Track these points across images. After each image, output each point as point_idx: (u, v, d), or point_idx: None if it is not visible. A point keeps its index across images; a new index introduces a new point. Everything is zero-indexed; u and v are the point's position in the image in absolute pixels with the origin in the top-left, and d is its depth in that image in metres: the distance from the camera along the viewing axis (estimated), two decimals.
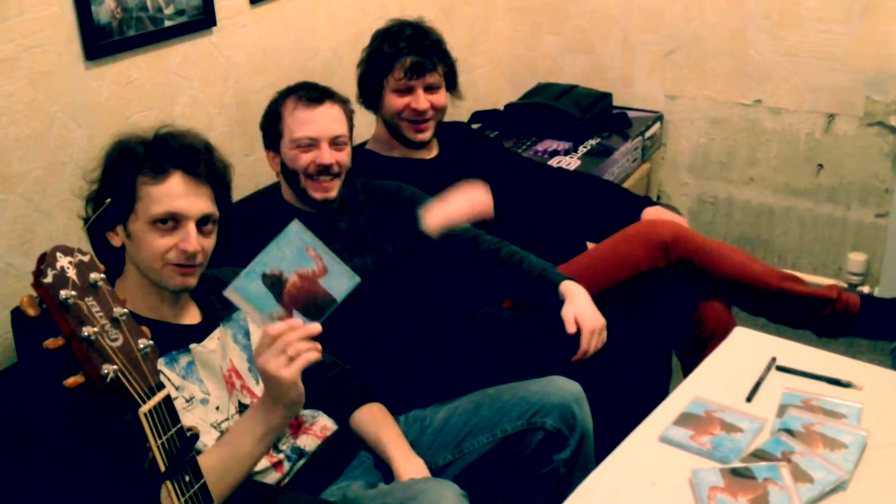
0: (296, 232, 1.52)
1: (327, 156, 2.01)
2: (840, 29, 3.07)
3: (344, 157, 2.06)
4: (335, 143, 2.04)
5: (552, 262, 2.36)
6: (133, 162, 1.59)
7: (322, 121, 2.02)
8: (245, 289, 1.46)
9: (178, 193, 1.58)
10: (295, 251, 1.51)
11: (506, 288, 2.20)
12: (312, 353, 1.44)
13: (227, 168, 1.72)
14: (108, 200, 1.58)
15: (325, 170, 2.02)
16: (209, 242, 1.64)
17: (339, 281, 1.54)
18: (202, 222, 1.62)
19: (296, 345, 1.43)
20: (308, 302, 1.50)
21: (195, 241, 1.59)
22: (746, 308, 2.45)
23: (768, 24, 3.18)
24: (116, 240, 1.62)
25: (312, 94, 2.04)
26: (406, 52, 2.33)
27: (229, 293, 1.45)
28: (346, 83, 2.69)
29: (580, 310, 2.02)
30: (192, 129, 1.73)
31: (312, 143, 2.02)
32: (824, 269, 3.36)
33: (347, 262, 2.06)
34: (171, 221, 1.58)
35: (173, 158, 1.60)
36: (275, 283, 1.48)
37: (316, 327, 1.46)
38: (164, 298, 1.65)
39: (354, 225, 2.13)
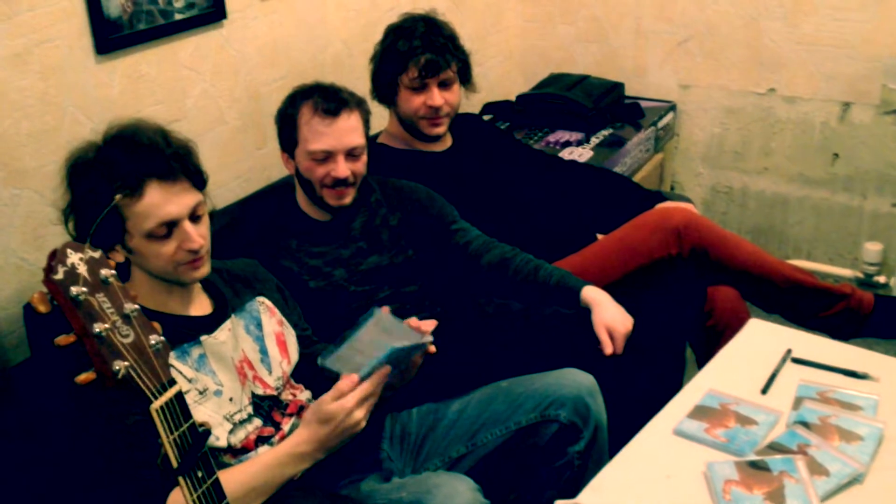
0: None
1: (343, 169, 1.99)
2: (856, 16, 3.04)
3: (360, 167, 2.04)
4: (351, 154, 2.01)
5: (561, 254, 2.36)
6: (105, 183, 1.53)
7: (338, 133, 1.99)
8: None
9: (160, 202, 1.55)
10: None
11: (522, 297, 2.18)
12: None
13: (190, 149, 1.64)
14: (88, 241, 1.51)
15: (340, 182, 2.01)
16: (205, 228, 1.63)
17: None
18: (192, 215, 1.60)
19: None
20: None
21: (196, 237, 1.58)
22: (760, 304, 2.43)
23: (783, 12, 3.15)
24: (119, 256, 1.60)
25: (329, 104, 1.99)
26: (420, 50, 2.31)
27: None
28: (357, 75, 2.69)
29: (609, 317, 2.00)
30: (139, 119, 1.65)
31: (328, 156, 2.01)
32: (840, 260, 3.34)
33: (363, 262, 2.07)
34: (166, 229, 1.56)
35: (142, 168, 1.54)
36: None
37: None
38: (172, 292, 1.65)
39: (370, 224, 2.13)
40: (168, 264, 1.58)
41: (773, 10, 3.16)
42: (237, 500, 1.46)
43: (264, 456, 1.56)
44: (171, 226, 1.57)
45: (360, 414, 1.54)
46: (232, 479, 1.48)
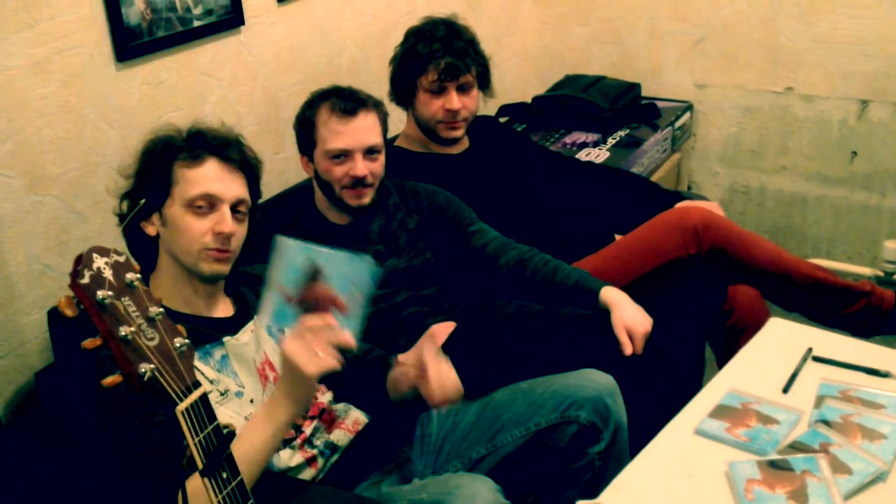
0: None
1: (361, 167, 2.01)
2: (873, 14, 3.02)
3: (378, 167, 2.05)
4: (369, 153, 2.03)
5: (580, 255, 2.36)
6: (170, 149, 1.66)
7: (355, 132, 2.01)
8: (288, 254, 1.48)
9: (213, 177, 1.64)
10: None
11: (540, 298, 2.18)
12: (335, 362, 1.42)
13: (257, 160, 1.77)
14: (143, 201, 1.62)
15: (359, 181, 2.03)
16: (242, 229, 1.68)
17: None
18: (235, 207, 1.66)
19: (326, 347, 1.41)
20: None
21: (230, 223, 1.63)
22: (780, 302, 2.42)
23: (799, 11, 3.14)
24: (152, 229, 1.66)
25: (346, 104, 2.02)
26: (441, 53, 2.32)
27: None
28: (373, 80, 2.70)
29: (628, 318, 2.01)
30: (224, 124, 1.79)
31: (346, 155, 2.02)
32: (859, 258, 3.32)
33: (381, 264, 2.08)
34: (206, 204, 1.62)
35: (209, 146, 1.66)
36: (312, 275, 1.48)
37: (351, 340, 1.44)
38: (197, 291, 1.67)
39: (388, 227, 2.14)
40: (195, 244, 1.61)
41: (789, 9, 3.15)
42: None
43: (252, 438, 1.45)
44: (212, 204, 1.62)
45: (330, 349, 1.42)
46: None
